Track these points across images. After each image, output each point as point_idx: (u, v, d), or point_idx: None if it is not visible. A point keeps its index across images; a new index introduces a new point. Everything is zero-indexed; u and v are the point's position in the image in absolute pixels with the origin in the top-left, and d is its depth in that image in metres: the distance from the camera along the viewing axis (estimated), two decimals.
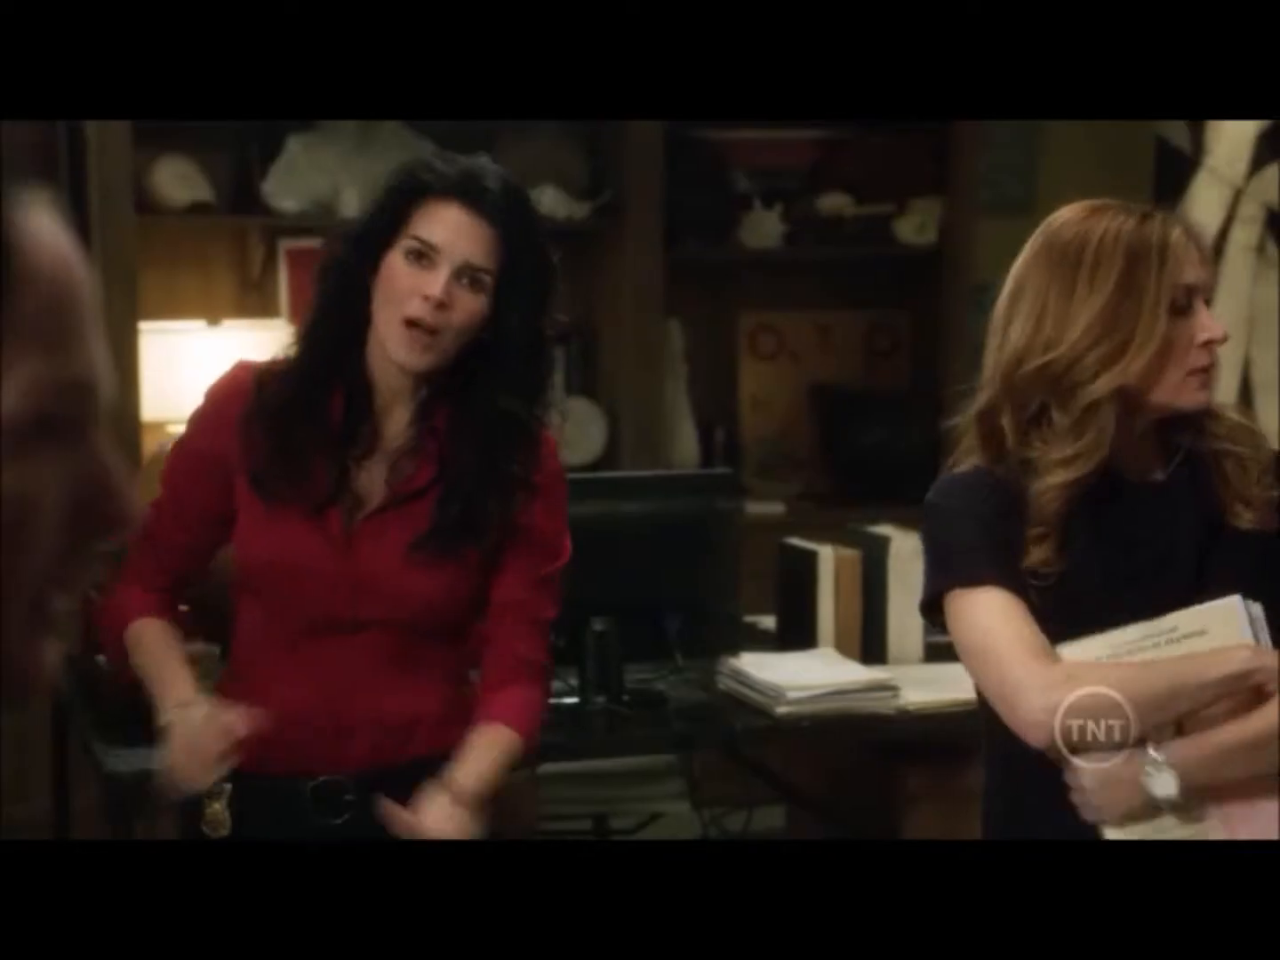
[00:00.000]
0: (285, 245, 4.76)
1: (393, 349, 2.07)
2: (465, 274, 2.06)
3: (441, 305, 2.04)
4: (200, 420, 2.24)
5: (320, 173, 4.66)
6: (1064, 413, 1.94)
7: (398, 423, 2.14)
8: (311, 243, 4.78)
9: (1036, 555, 1.94)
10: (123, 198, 4.40)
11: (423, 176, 2.08)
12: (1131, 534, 2.00)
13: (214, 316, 4.62)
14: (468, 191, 2.07)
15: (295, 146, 4.63)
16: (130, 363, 4.41)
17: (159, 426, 4.37)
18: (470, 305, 2.07)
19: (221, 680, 2.24)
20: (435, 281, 2.03)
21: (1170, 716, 1.87)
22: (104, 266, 4.39)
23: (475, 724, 2.18)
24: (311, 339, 2.13)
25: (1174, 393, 1.96)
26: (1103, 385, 1.92)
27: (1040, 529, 1.94)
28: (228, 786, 2.12)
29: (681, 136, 4.87)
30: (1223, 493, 2.00)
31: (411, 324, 2.04)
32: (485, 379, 2.11)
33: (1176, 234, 1.95)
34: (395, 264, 2.07)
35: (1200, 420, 2.00)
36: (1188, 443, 2.01)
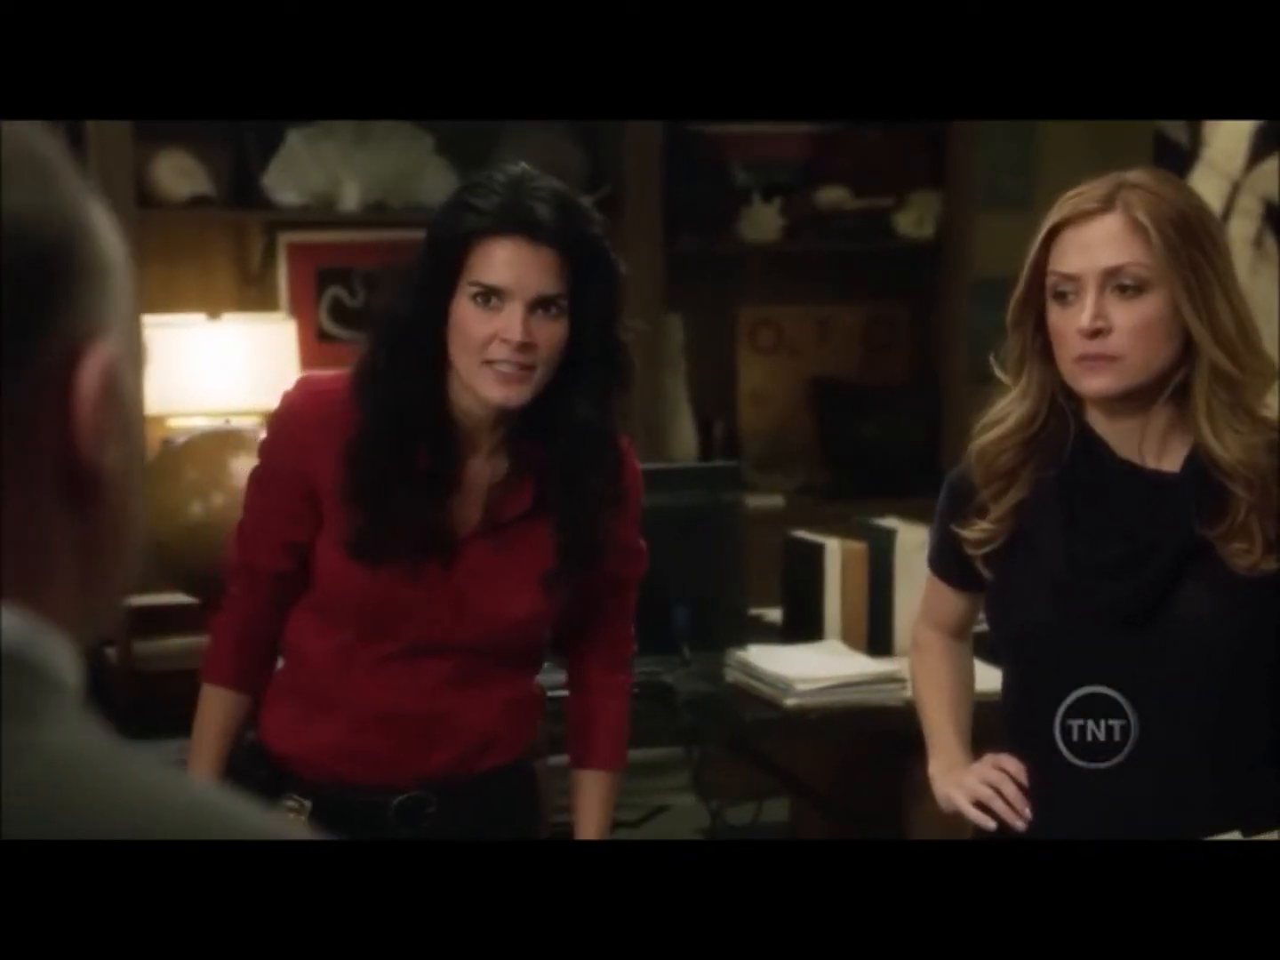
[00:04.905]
0: (285, 239, 4.75)
1: (485, 392, 2.02)
2: (539, 306, 2.01)
3: (524, 346, 1.99)
4: (281, 448, 2.14)
5: (320, 166, 4.65)
6: None
7: (483, 458, 2.11)
8: (311, 236, 4.79)
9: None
10: (123, 191, 4.40)
11: (467, 220, 2.00)
12: (1112, 521, 1.96)
13: (214, 310, 4.61)
14: (518, 223, 2.00)
15: (295, 140, 4.62)
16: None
17: (159, 421, 4.37)
18: (553, 332, 2.02)
19: (283, 687, 2.19)
20: (512, 324, 1.98)
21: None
22: None
23: (587, 745, 2.27)
24: (386, 395, 2.05)
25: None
26: None
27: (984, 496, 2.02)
28: (308, 803, 2.11)
29: (680, 130, 4.86)
30: (1227, 515, 1.91)
31: (492, 364, 2.00)
32: (566, 395, 2.07)
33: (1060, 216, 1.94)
34: (465, 311, 2.01)
35: (1219, 428, 1.91)
36: (1204, 447, 1.92)
